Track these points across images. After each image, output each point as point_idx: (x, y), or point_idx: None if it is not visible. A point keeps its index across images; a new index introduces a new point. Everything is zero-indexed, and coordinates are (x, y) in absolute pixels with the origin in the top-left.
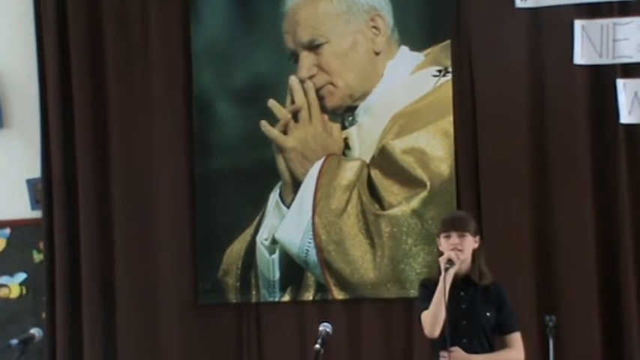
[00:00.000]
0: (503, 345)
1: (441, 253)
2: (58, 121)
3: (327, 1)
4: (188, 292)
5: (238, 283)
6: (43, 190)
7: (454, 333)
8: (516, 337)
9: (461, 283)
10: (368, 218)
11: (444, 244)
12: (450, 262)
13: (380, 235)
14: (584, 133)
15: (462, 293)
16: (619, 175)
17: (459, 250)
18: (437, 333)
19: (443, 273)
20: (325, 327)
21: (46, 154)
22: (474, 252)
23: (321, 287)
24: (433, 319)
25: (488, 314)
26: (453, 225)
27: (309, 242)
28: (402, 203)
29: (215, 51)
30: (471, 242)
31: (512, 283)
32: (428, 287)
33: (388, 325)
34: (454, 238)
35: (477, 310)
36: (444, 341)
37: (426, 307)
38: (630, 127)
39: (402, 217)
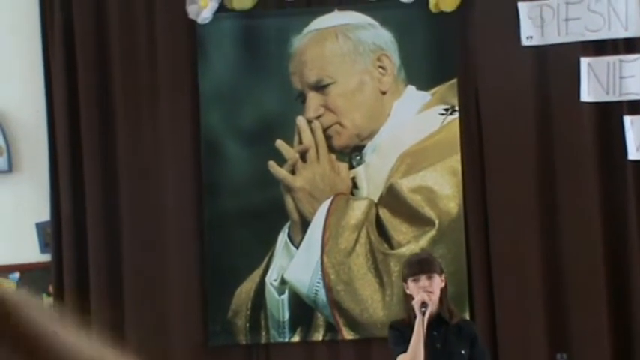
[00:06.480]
0: None
1: (410, 297)
2: (67, 164)
3: (334, 41)
4: (198, 333)
5: (248, 324)
6: (52, 233)
7: None
8: None
9: (433, 322)
10: (377, 257)
11: (412, 287)
12: (425, 304)
13: (389, 274)
14: (592, 170)
15: (435, 332)
16: (628, 212)
17: (430, 292)
18: None
19: (419, 317)
20: None
21: (55, 197)
22: (442, 291)
23: (331, 327)
24: None
25: (463, 352)
26: (420, 268)
27: (318, 282)
28: (410, 242)
29: (223, 92)
30: (438, 282)
31: (522, 320)
32: (399, 330)
33: None
34: (423, 280)
35: (452, 349)
36: None
37: (402, 351)
38: (638, 164)
39: None
